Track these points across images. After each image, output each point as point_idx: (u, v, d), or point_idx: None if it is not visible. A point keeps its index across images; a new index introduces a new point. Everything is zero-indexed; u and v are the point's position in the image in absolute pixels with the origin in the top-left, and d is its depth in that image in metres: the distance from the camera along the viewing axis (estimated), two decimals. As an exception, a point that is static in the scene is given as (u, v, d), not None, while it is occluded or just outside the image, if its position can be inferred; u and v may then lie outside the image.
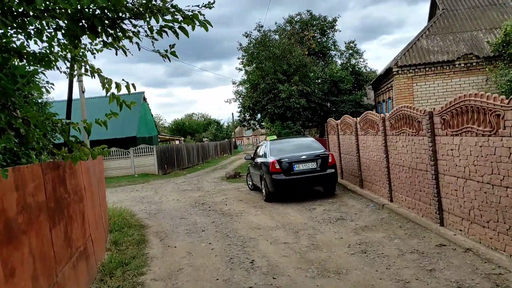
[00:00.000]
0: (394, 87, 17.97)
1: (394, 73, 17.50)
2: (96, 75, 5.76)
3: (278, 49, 20.12)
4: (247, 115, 22.58)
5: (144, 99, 34.23)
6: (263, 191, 12.17)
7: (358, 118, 11.64)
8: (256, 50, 21.32)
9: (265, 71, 20.33)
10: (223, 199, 13.37)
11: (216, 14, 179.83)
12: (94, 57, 6.17)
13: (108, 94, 5.43)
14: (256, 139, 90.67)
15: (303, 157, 11.41)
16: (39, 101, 24.16)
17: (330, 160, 11.51)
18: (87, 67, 5.76)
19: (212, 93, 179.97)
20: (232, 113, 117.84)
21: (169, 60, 4.99)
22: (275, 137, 13.79)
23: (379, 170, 10.08)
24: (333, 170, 11.56)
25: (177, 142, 47.34)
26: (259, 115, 22.31)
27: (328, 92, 22.57)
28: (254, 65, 23.27)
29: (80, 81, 26.85)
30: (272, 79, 19.70)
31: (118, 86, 5.46)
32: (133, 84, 5.53)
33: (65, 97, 27.23)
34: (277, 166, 11.31)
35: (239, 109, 23.34)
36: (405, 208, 8.52)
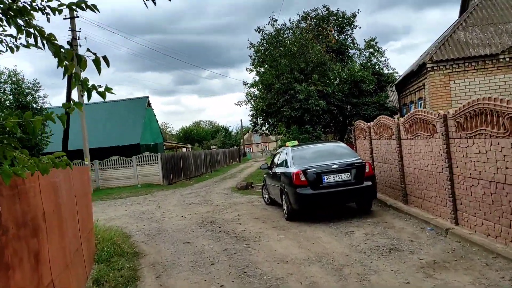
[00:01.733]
0: (428, 85, 15.85)
1: (428, 69, 15.38)
2: (45, 42, 3.76)
3: (294, 45, 18.07)
4: (260, 120, 20.44)
5: (149, 104, 32.39)
6: (284, 207, 10.10)
7: (401, 119, 9.55)
8: (270, 47, 19.29)
9: (280, 70, 18.28)
10: (235, 216, 11.31)
11: (222, 23, 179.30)
12: (49, 20, 4.12)
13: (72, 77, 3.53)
14: (266, 147, 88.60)
15: (334, 166, 9.32)
16: (34, 106, 22.38)
17: (367, 170, 9.40)
18: (32, 30, 3.76)
19: (219, 100, 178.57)
20: (241, 120, 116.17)
21: (154, 3, 3.00)
22: (296, 142, 11.72)
23: (435, 183, 7.95)
24: (371, 183, 9.43)
25: (184, 149, 45.45)
26: (271, 120, 20.12)
27: (348, 94, 20.48)
28: (266, 65, 21.32)
29: (79, 84, 25.12)
30: (288, 78, 17.62)
31: (81, 61, 3.50)
32: (104, 57, 3.52)
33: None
34: (303, 178, 9.23)
35: (251, 112, 21.27)
36: (482, 235, 6.38)
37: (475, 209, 6.57)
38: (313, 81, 17.54)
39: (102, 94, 3.69)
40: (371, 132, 11.81)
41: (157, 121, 34.03)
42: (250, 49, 22.68)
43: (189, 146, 51.83)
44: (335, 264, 6.14)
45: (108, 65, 3.56)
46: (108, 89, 3.76)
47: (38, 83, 22.28)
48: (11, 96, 21.34)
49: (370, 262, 6.07)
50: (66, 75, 3.53)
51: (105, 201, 19.61)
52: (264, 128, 21.92)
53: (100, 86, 3.85)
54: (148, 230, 10.58)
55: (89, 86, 3.64)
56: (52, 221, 4.95)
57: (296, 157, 10.08)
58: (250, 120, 21.25)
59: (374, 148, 11.77)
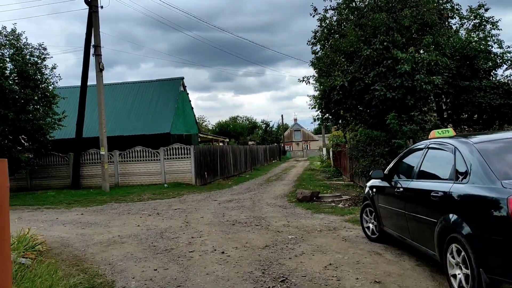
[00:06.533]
0: None
1: None
2: None
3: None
4: (332, 105, 14.28)
5: (184, 87, 27.32)
6: (458, 273, 4.46)
7: None
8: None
9: (368, 32, 12.51)
10: (326, 268, 5.79)
11: (259, 22, 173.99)
12: None
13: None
14: (307, 145, 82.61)
15: None
16: (38, 77, 17.64)
17: None
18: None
19: (255, 98, 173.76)
20: (282, 115, 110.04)
21: None
22: (451, 131, 6.05)
23: None
24: None
25: (221, 144, 40.39)
26: (352, 103, 13.81)
27: (455, 74, 14.48)
28: (336, 35, 15.68)
29: (97, 54, 20.20)
30: (383, 42, 11.82)
31: None
32: None
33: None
34: (545, 214, 3.57)
35: (317, 94, 15.23)
36: None
37: None
38: (426, 44, 11.58)
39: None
40: None
41: (192, 108, 28.91)
42: (313, 16, 17.01)
43: (227, 139, 46.78)
44: None
45: None
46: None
47: (45, 49, 17.48)
48: (9, 64, 16.67)
49: None
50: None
51: (119, 205, 14.71)
52: (341, 118, 15.38)
53: None
54: (159, 289, 5.28)
55: None
56: None
57: (494, 160, 4.42)
58: (316, 108, 14.92)
59: None
